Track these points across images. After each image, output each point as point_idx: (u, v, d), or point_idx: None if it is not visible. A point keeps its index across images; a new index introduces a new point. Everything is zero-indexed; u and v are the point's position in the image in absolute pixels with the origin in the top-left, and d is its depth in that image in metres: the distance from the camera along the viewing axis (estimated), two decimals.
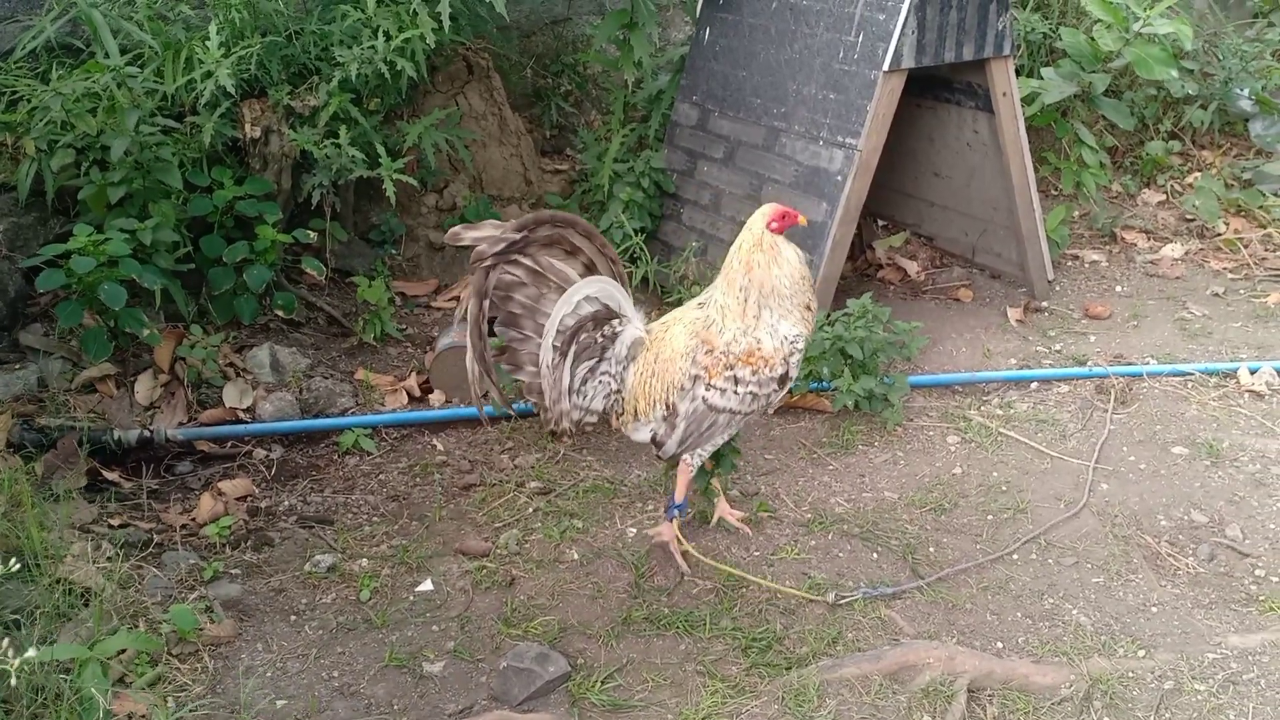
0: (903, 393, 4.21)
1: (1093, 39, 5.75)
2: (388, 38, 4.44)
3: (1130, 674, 3.00)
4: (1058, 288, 5.27)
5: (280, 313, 4.53)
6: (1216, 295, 5.15)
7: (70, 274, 3.89)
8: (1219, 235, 5.68)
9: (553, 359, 3.14)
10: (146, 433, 3.87)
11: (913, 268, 5.53)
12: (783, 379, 3.25)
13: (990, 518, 3.67)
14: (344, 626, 3.17)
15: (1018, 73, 6.13)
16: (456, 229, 3.09)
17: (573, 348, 3.17)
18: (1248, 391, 4.33)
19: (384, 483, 3.84)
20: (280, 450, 3.99)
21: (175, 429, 3.92)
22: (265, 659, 3.04)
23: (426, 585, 3.33)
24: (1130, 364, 4.56)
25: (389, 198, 4.53)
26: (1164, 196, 6.08)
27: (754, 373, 3.20)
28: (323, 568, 3.37)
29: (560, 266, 3.16)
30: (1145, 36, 5.65)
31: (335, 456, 3.97)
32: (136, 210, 4.19)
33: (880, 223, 5.89)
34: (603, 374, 3.26)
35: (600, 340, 3.23)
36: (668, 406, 3.24)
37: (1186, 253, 5.56)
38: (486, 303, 3.08)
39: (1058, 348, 4.74)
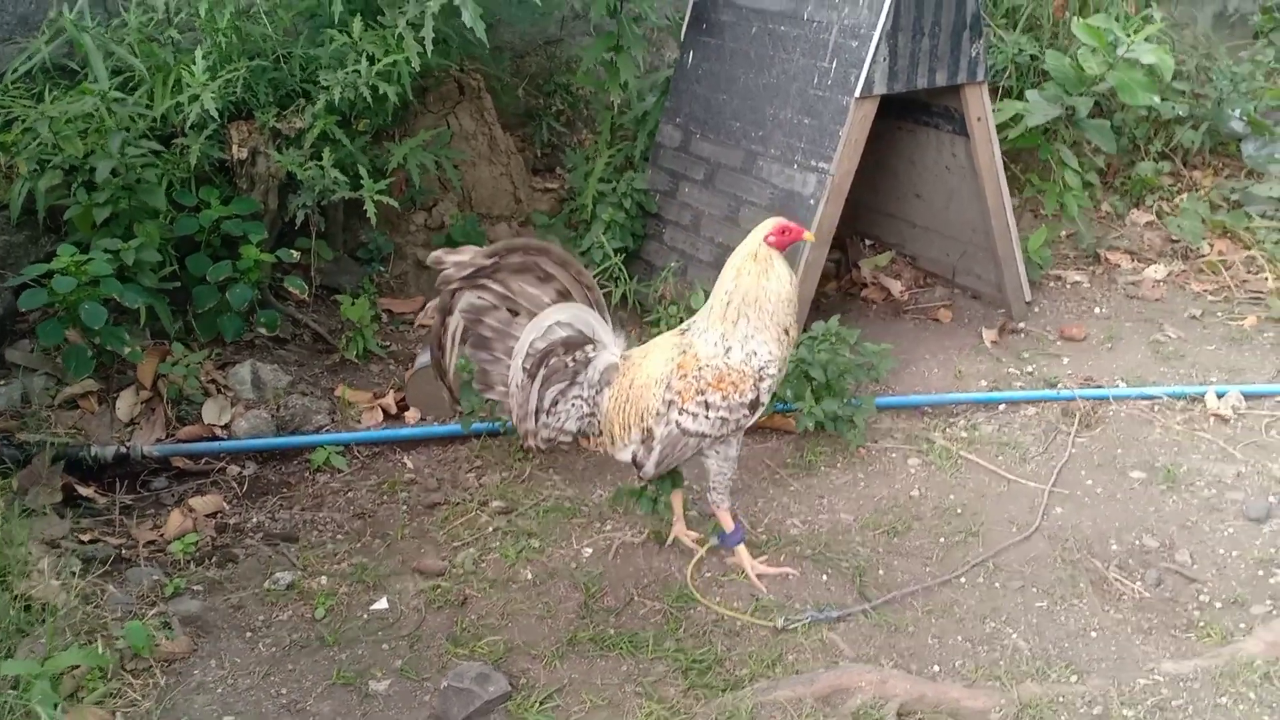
0: (868, 414, 4.23)
1: (1078, 63, 5.76)
2: (371, 61, 4.52)
3: (1060, 699, 3.02)
4: (1037, 309, 5.28)
5: (264, 330, 4.61)
6: (1194, 318, 5.14)
7: (52, 294, 3.99)
8: (1203, 257, 5.67)
9: (520, 380, 3.22)
10: (123, 449, 3.96)
11: (896, 287, 5.56)
12: (753, 404, 3.30)
13: (942, 540, 3.70)
14: (297, 644, 3.24)
15: (1007, 94, 6.19)
16: (438, 253, 3.17)
17: (542, 370, 3.24)
18: (1213, 415, 4.33)
19: (352, 500, 3.91)
20: (254, 467, 4.07)
21: (151, 445, 4.01)
22: (217, 675, 3.11)
23: (382, 604, 3.40)
24: (1099, 387, 4.57)
25: (370, 218, 4.60)
26: (1152, 217, 6.07)
27: (724, 398, 3.25)
28: (282, 585, 3.45)
29: (532, 292, 3.23)
30: (1129, 61, 5.65)
31: (307, 474, 4.05)
32: (122, 230, 4.29)
33: (867, 242, 5.91)
34: (574, 397, 3.32)
35: (571, 364, 3.29)
36: (644, 431, 3.30)
37: (1169, 274, 5.55)
38: (452, 319, 3.17)
39: (1030, 369, 4.76)
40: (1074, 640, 3.27)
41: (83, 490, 3.83)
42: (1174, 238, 5.82)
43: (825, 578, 3.53)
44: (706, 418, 3.27)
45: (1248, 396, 4.42)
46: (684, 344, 3.34)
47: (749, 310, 3.25)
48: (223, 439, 4.14)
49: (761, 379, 3.28)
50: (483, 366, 3.26)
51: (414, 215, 5.36)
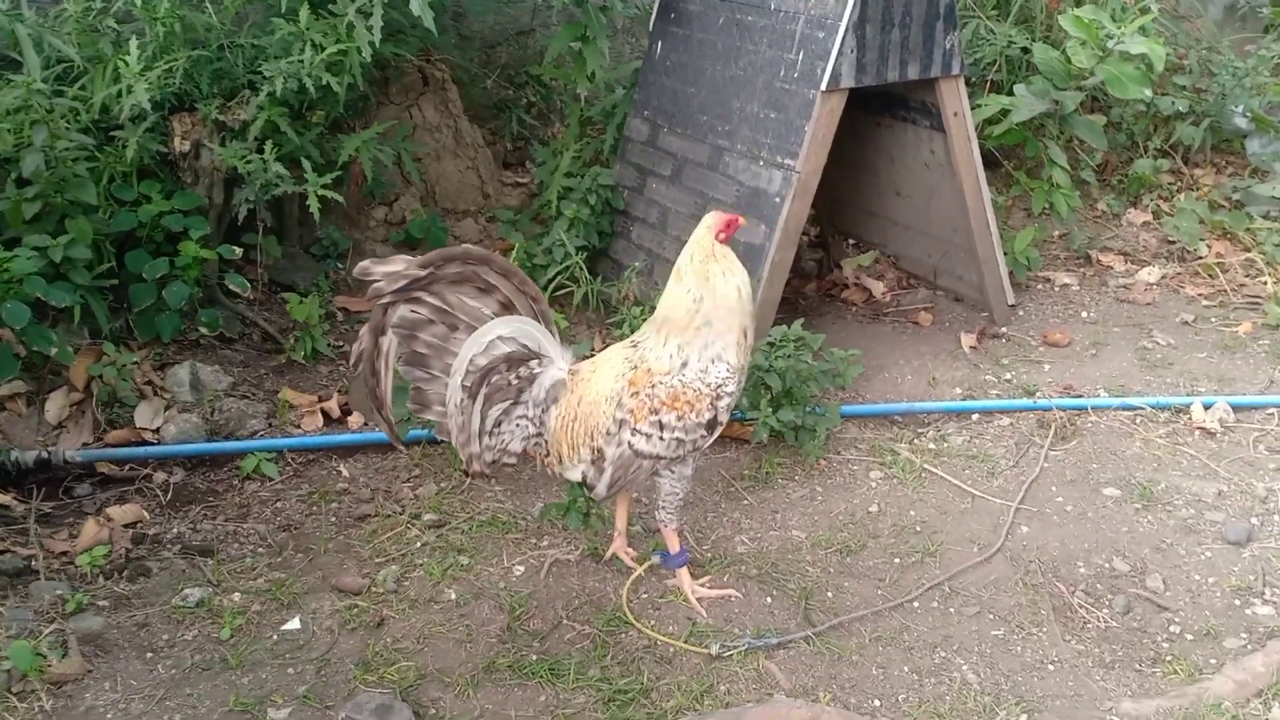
0: (832, 424, 4.00)
1: (1066, 56, 5.49)
2: (317, 50, 4.31)
3: None
4: (1021, 312, 5.03)
5: (205, 330, 4.42)
6: (1186, 323, 4.88)
7: None
8: (1200, 259, 5.40)
9: (460, 399, 2.99)
10: (44, 454, 3.77)
11: (878, 288, 5.32)
12: (711, 424, 3.08)
13: (898, 561, 3.46)
14: (199, 666, 3.03)
15: (997, 89, 5.93)
16: (365, 264, 2.95)
17: (484, 389, 3.01)
18: (1198, 428, 4.08)
19: (279, 510, 3.71)
20: (181, 474, 3.87)
21: (75, 450, 3.82)
22: (109, 699, 2.91)
23: (294, 624, 3.19)
24: (1079, 396, 4.32)
25: (313, 213, 4.38)
26: (1149, 217, 5.81)
27: (679, 418, 3.03)
28: (191, 602, 3.24)
29: (472, 304, 3.01)
30: (1120, 55, 5.38)
31: (235, 481, 3.84)
32: (53, 226, 4.09)
33: (850, 241, 5.67)
34: (519, 417, 3.10)
35: (515, 381, 3.06)
36: (594, 451, 3.08)
37: (1163, 277, 5.29)
38: (385, 340, 2.95)
39: (1008, 377, 4.51)
40: (1029, 673, 3.02)
41: (1, 497, 3.64)
42: (1170, 239, 5.55)
43: (770, 600, 3.29)
44: (661, 439, 3.05)
45: (1236, 408, 4.17)
46: (635, 358, 3.10)
47: (715, 314, 3.02)
48: (153, 444, 3.94)
49: (719, 397, 3.05)
50: (418, 385, 3.03)
51: (374, 210, 5.16)
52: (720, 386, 3.05)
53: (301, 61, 4.28)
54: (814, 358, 4.02)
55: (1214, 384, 4.38)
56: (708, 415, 3.06)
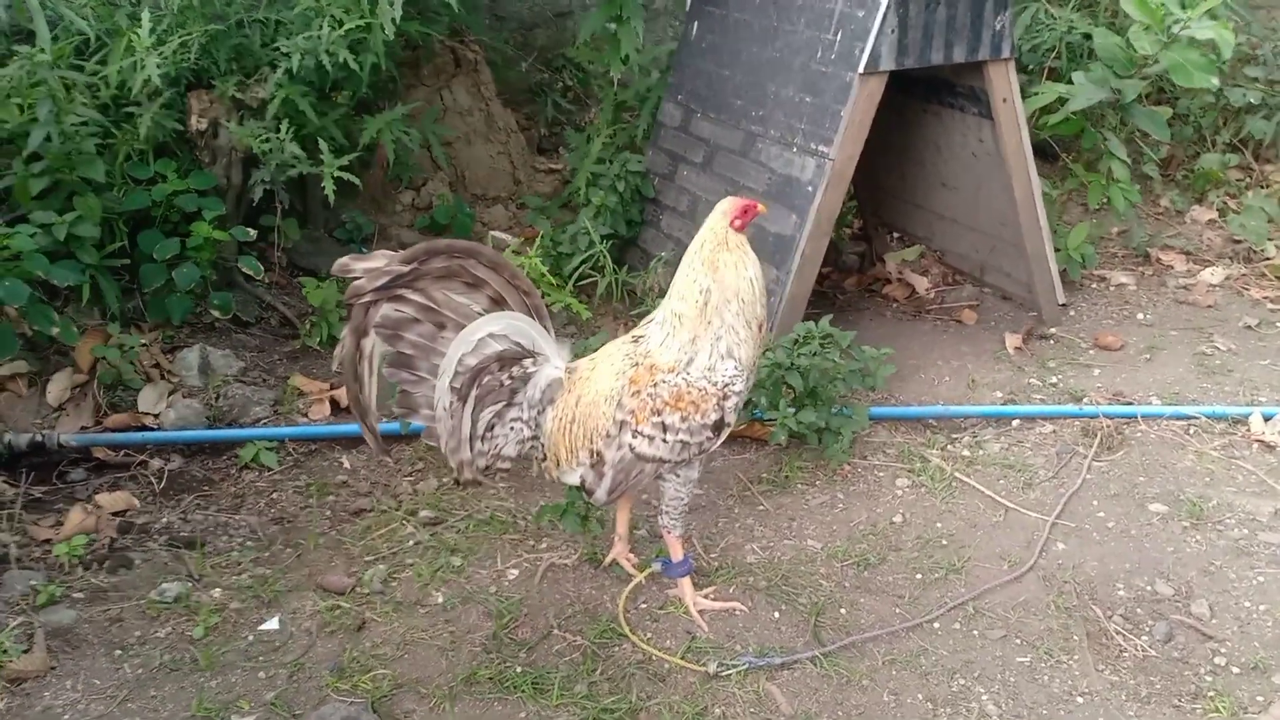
0: (859, 426, 3.73)
1: (1128, 42, 5.13)
2: (336, 26, 4.12)
3: None
4: (1073, 312, 4.71)
5: (217, 313, 4.26)
6: (1249, 328, 4.52)
7: None
8: (1268, 260, 5.03)
9: (450, 403, 2.76)
10: (39, 437, 3.62)
11: (922, 284, 5.03)
12: (717, 425, 2.83)
13: (920, 577, 3.19)
14: (167, 666, 2.85)
15: (1055, 77, 5.59)
16: (345, 260, 2.74)
17: (474, 390, 2.78)
18: (1257, 441, 3.74)
19: (274, 502, 3.53)
20: (179, 461, 3.70)
21: (71, 434, 3.67)
22: (69, 699, 2.74)
23: (272, 623, 2.99)
24: (1128, 403, 4.00)
25: (328, 196, 4.20)
26: (1214, 215, 5.44)
27: (683, 419, 2.79)
28: (168, 597, 3.06)
29: (459, 301, 2.78)
30: (1185, 40, 5.02)
31: (233, 470, 3.67)
32: (60, 204, 3.95)
33: (894, 235, 5.39)
34: (513, 419, 2.87)
35: (508, 382, 2.83)
36: (593, 454, 2.85)
37: (1227, 278, 4.93)
38: (367, 341, 2.74)
39: (1054, 381, 4.20)
40: (1055, 706, 2.74)
41: None
42: (1236, 238, 5.19)
43: (777, 615, 3.04)
44: (664, 441, 2.81)
45: None
46: (638, 354, 2.86)
47: (728, 307, 2.78)
48: (152, 429, 3.79)
49: (726, 396, 2.80)
50: (404, 388, 2.79)
51: (400, 194, 4.98)
52: (728, 385, 2.80)
53: (319, 38, 4.09)
54: (842, 356, 3.75)
55: (1277, 394, 4.03)
56: (714, 416, 2.82)
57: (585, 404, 2.86)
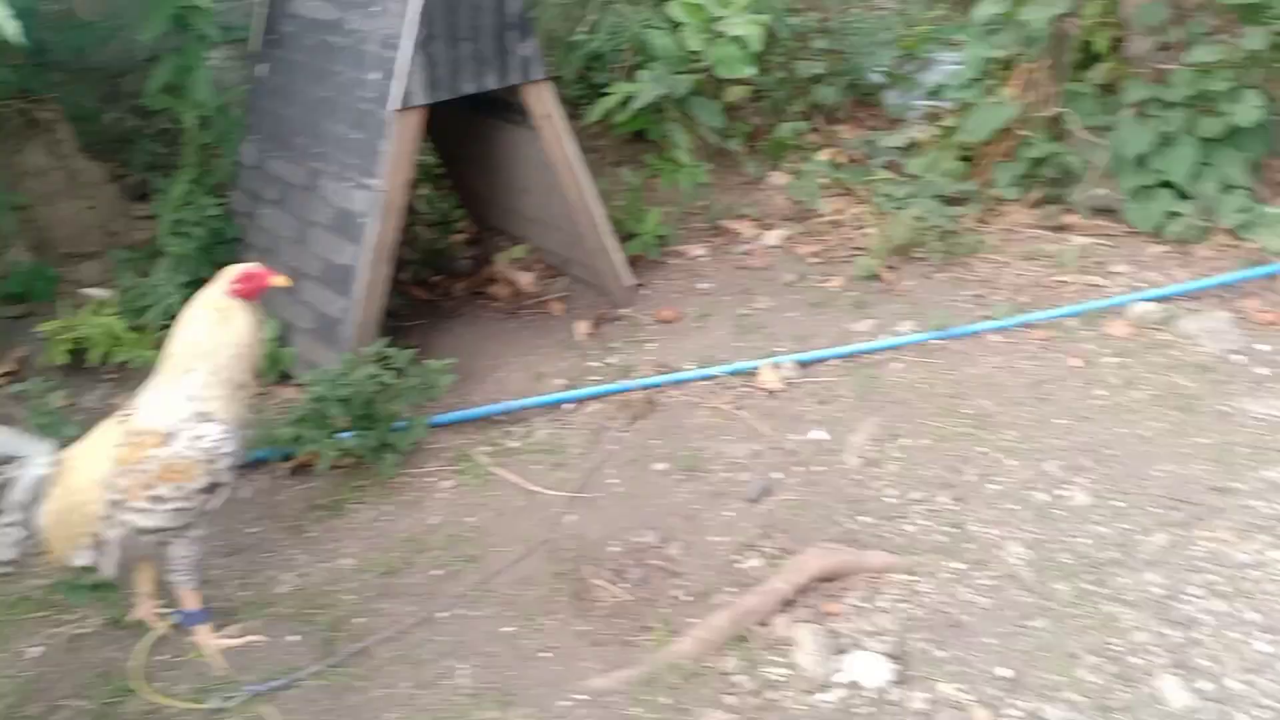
0: (416, 437, 3.90)
1: (681, 41, 5.46)
2: None
3: None
4: (647, 291, 4.96)
5: None
6: (788, 284, 4.86)
7: None
8: (822, 217, 5.40)
9: None
10: None
11: (526, 280, 5.21)
12: (212, 487, 2.94)
13: (441, 573, 3.37)
14: None
15: (629, 76, 5.86)
16: None
17: None
18: (762, 390, 4.05)
19: None
20: None
21: None
22: None
23: None
24: (669, 372, 4.28)
25: None
26: (787, 180, 5.80)
27: (177, 488, 2.89)
28: None
29: None
30: (726, 37, 5.37)
31: None
32: None
33: (503, 237, 5.59)
34: (4, 526, 2.89)
35: None
36: (93, 538, 2.91)
37: (784, 239, 5.27)
38: None
39: (613, 360, 4.44)
40: (522, 666, 2.96)
41: None
42: (799, 199, 5.55)
43: (299, 638, 3.15)
44: (162, 512, 2.91)
45: (804, 365, 4.15)
46: (127, 430, 2.93)
47: (200, 364, 2.90)
48: None
49: (213, 460, 2.91)
50: None
51: None
52: (214, 449, 2.91)
53: None
54: (401, 374, 3.90)
55: (794, 343, 4.35)
56: (206, 480, 2.93)
57: (76, 491, 2.91)
